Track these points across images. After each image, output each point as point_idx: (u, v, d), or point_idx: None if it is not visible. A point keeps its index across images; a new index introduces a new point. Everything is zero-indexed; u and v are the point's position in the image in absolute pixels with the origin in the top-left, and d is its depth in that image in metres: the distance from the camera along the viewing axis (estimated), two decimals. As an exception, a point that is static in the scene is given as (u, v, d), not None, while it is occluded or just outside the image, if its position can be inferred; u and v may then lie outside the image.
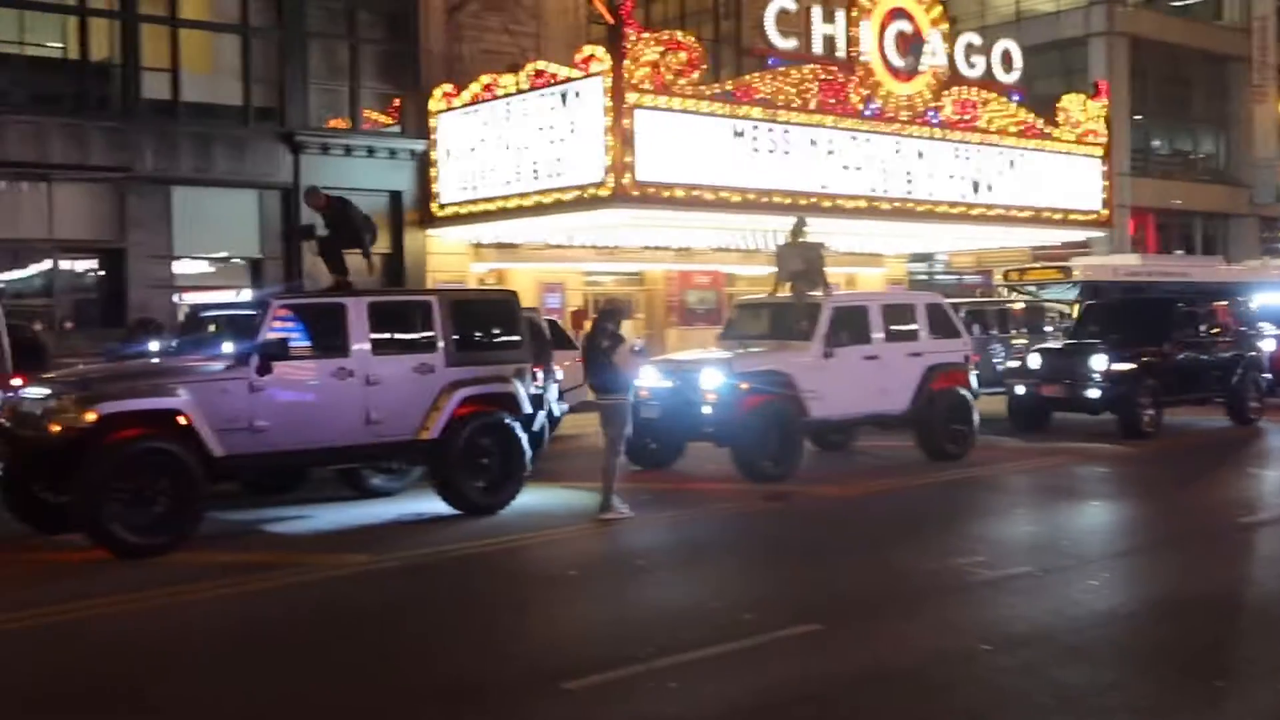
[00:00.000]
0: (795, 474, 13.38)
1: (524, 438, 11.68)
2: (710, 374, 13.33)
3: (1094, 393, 16.92)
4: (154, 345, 12.54)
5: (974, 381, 15.56)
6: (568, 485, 12.87)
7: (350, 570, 9.33)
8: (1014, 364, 18.19)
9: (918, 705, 6.20)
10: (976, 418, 15.31)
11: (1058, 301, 24.85)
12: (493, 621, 7.89)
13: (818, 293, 14.65)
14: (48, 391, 9.89)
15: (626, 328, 28.32)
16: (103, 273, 20.58)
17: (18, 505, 10.49)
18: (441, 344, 11.40)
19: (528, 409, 11.82)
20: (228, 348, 10.60)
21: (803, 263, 14.96)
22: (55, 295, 20.04)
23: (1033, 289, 26.51)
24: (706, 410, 13.25)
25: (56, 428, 9.56)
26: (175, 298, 16.49)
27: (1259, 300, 22.31)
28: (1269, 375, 19.23)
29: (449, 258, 26.26)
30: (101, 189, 20.28)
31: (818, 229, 25.98)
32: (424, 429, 11.17)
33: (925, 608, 8.14)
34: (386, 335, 11.20)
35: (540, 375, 12.50)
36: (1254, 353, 18.80)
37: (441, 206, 25.38)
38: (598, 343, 11.29)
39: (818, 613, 7.88)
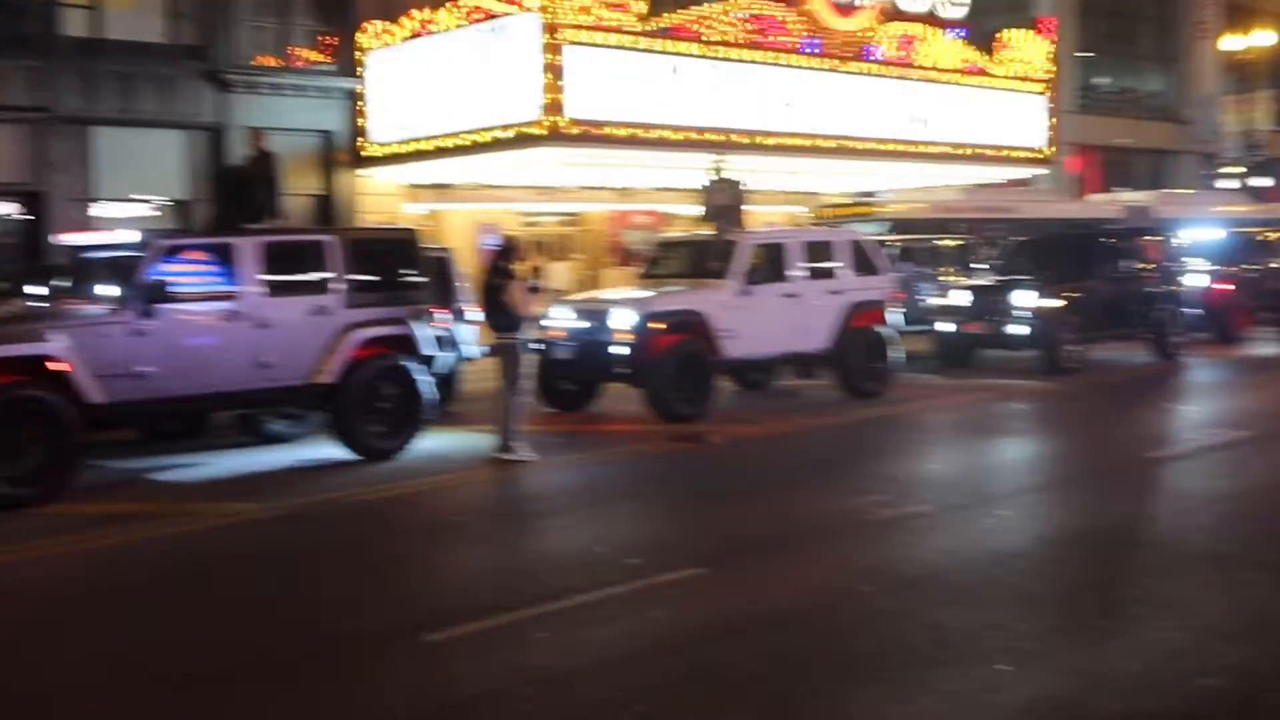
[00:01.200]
0: (710, 414, 13.18)
1: (425, 380, 11.38)
2: (623, 313, 13.07)
3: (1018, 329, 16.81)
4: (43, 289, 12.11)
5: (895, 319, 15.40)
6: (476, 429, 12.57)
7: (233, 519, 9.03)
8: (940, 300, 18.03)
9: (787, 651, 6.01)
10: (896, 355, 15.16)
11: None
12: (368, 570, 7.65)
13: (736, 230, 14.41)
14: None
15: (562, 269, 28.14)
16: (23, 217, 20.00)
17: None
18: (338, 285, 11.05)
19: (429, 351, 11.52)
20: (109, 290, 10.20)
21: (728, 199, 14.70)
22: (-26, 239, 19.46)
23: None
24: (619, 350, 13.00)
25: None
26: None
27: (1190, 236, 22.24)
28: (1197, 310, 19.21)
29: (382, 199, 25.76)
30: (19, 130, 19.64)
31: (757, 166, 25.84)
32: (320, 373, 10.85)
33: (816, 549, 7.98)
34: (279, 276, 10.83)
35: (445, 316, 12.17)
36: (1178, 288, 18.76)
37: (373, 146, 24.90)
38: (491, 281, 10.99)
39: (707, 557, 7.70)
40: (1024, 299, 16.86)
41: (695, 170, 23.59)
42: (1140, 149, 39.66)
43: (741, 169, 25.03)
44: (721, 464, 11.28)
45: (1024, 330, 16.79)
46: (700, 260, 14.23)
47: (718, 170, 15.00)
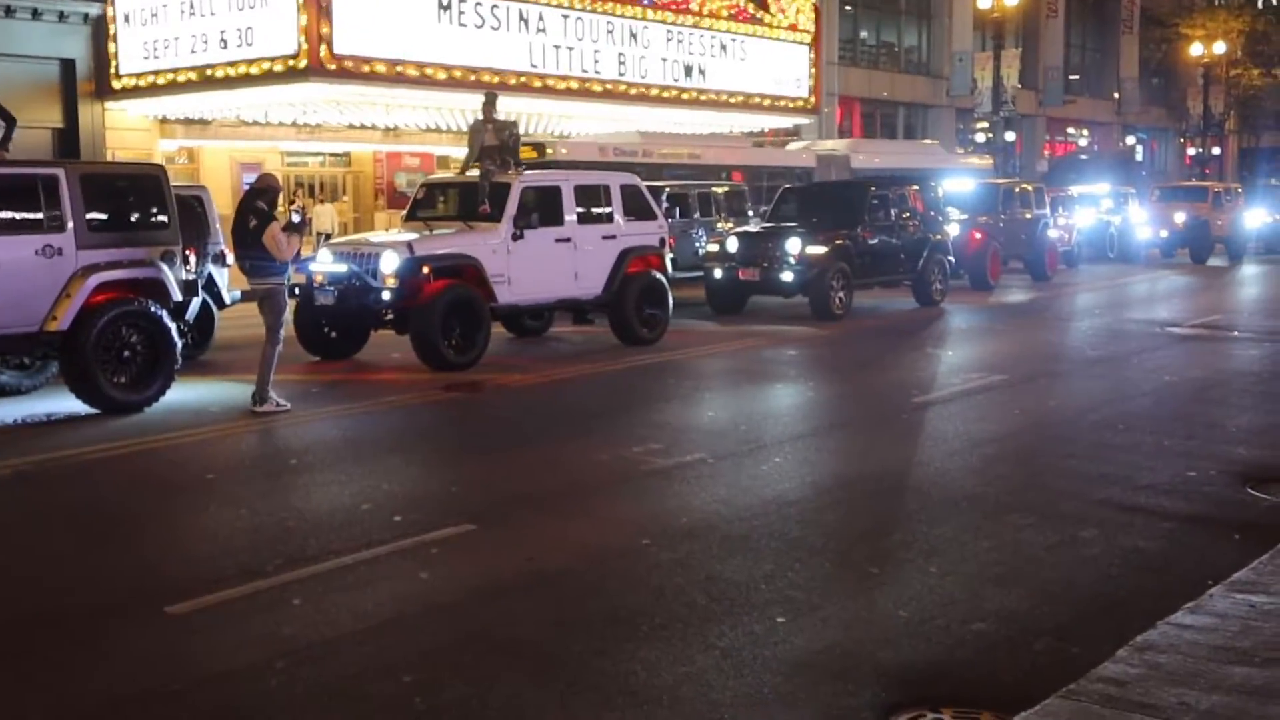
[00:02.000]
0: (480, 362, 12.78)
1: (173, 327, 10.56)
2: (389, 257, 12.48)
3: (788, 276, 16.99)
4: None
5: (669, 265, 15.30)
6: (233, 378, 11.82)
7: (-52, 481, 8.16)
8: (713, 247, 18.06)
9: (564, 610, 5.75)
10: (671, 301, 15.07)
11: None
12: (102, 536, 6.97)
13: (509, 172, 13.94)
14: None
15: (329, 211, 27.03)
16: None
17: None
18: (70, 223, 10.09)
19: (177, 296, 10.70)
20: None
21: (495, 140, 14.20)
22: None
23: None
24: (385, 296, 12.42)
25: None
26: None
27: (947, 186, 23.02)
28: (953, 259, 19.88)
29: (131, 134, 24.25)
30: None
31: (528, 110, 25.35)
32: (52, 319, 9.91)
33: (591, 502, 7.73)
34: (-1, 213, 9.82)
35: (193, 259, 11.33)
36: (939, 237, 19.36)
37: (120, 77, 23.31)
38: (245, 222, 10.24)
39: (476, 512, 7.36)
40: (793, 246, 17.03)
41: (468, 111, 23.03)
42: (899, 101, 41.02)
43: (517, 111, 24.56)
44: (493, 414, 10.91)
45: (794, 276, 16.98)
46: (469, 203, 13.70)
47: (491, 108, 14.44)
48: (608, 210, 14.56)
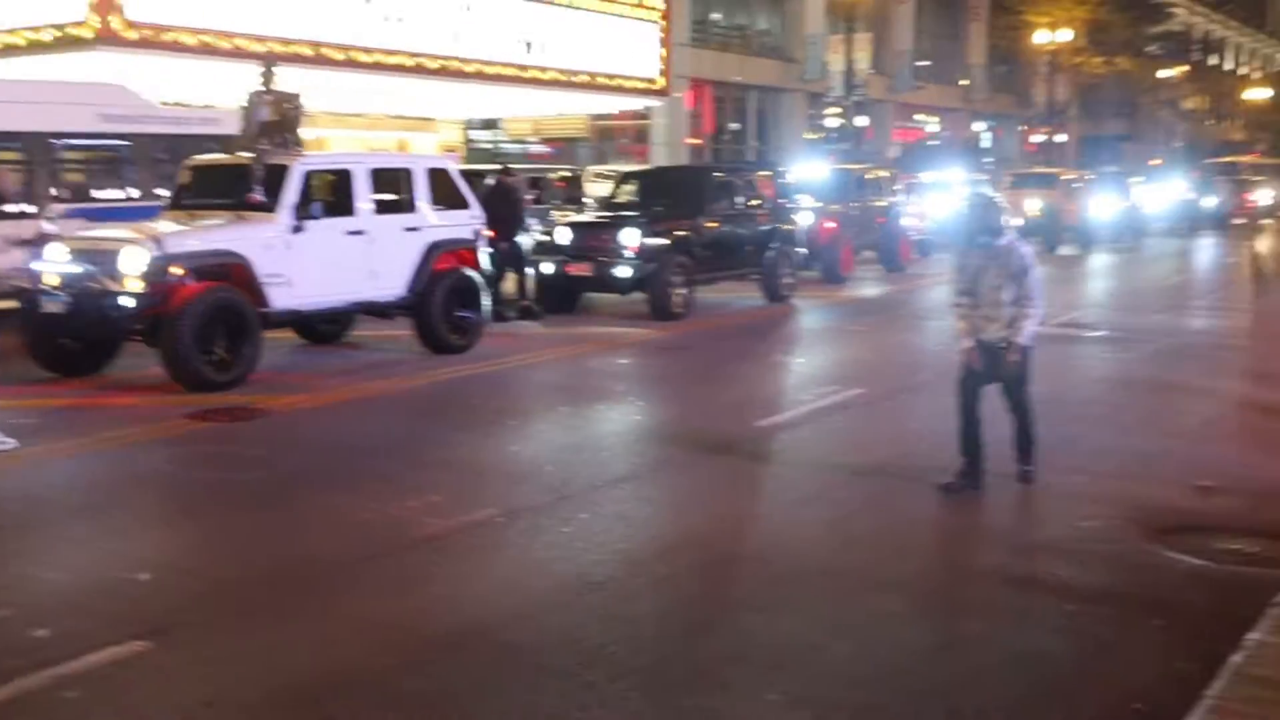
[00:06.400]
0: (251, 379, 10.66)
1: None
2: (133, 255, 10.27)
3: (623, 271, 15.16)
4: None
5: (486, 261, 13.36)
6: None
7: None
8: (541, 239, 16.14)
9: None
10: (487, 303, 13.14)
11: None
12: None
13: (288, 153, 11.79)
14: None
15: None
16: None
17: None
18: None
19: None
20: None
21: (275, 114, 12.08)
22: None
23: None
24: (129, 302, 10.21)
25: None
26: None
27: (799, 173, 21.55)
28: (804, 250, 18.34)
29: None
30: None
31: (355, 87, 23.25)
32: None
33: (331, 592, 5.81)
34: None
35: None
36: (789, 227, 17.76)
37: (-111, 43, 20.64)
38: None
39: (161, 618, 5.39)
40: (629, 237, 15.24)
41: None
42: (752, 85, 39.63)
43: (334, 88, 22.43)
44: (244, 453, 8.68)
45: (630, 272, 15.18)
46: (241, 188, 11.48)
47: (270, 78, 12.29)
48: (411, 198, 12.55)
